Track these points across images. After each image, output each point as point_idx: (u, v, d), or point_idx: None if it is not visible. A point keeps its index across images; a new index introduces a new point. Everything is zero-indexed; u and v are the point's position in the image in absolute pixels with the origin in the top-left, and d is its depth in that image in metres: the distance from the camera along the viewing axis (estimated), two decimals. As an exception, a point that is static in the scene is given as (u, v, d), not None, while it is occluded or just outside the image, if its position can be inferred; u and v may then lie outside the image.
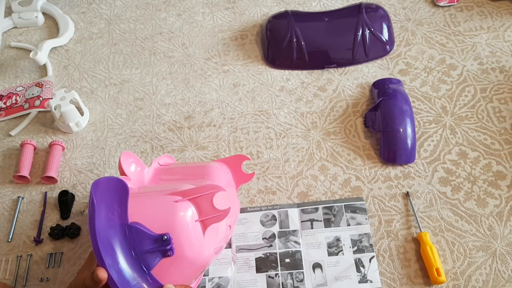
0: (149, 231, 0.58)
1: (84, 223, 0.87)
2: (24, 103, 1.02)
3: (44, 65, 1.08)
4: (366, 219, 0.83)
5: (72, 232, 0.85)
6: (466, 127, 0.92)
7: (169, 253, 0.58)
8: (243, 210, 0.86)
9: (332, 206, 0.85)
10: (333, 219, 0.84)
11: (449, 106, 0.95)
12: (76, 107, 0.95)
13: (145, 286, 0.57)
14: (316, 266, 0.79)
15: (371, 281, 0.77)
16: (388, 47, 1.03)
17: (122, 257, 0.56)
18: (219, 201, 0.63)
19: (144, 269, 0.58)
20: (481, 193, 0.84)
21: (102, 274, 0.53)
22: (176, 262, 0.60)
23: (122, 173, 0.70)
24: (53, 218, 0.88)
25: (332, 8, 1.11)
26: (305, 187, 0.88)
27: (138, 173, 0.72)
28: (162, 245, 0.58)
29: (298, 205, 0.86)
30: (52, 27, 1.17)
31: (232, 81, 1.03)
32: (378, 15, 1.04)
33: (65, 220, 0.88)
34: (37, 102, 1.01)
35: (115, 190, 0.58)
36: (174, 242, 0.59)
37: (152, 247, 0.58)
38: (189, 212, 0.61)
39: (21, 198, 0.91)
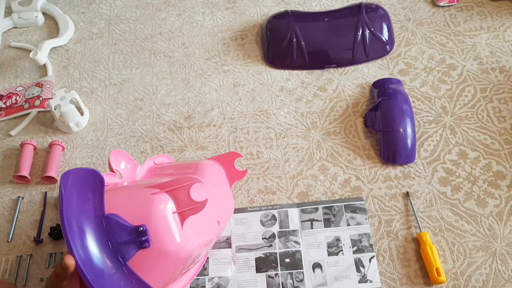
0: (125, 222, 0.58)
1: (84, 223, 0.87)
2: (24, 103, 1.02)
3: (44, 65, 1.08)
4: (366, 219, 0.83)
5: (72, 232, 0.85)
6: (466, 127, 0.92)
7: (145, 244, 0.58)
8: (243, 210, 0.86)
9: (332, 206, 0.85)
10: (333, 219, 0.84)
11: (449, 106, 0.95)
12: (76, 107, 0.95)
13: (120, 276, 0.57)
14: (316, 266, 0.79)
15: (371, 281, 0.77)
16: (388, 47, 1.03)
17: (96, 247, 0.56)
18: (196, 193, 0.63)
19: (121, 260, 0.58)
20: (481, 193, 0.84)
21: (69, 260, 0.53)
22: (155, 254, 0.60)
23: (111, 170, 0.71)
24: (53, 218, 0.88)
25: (332, 8, 1.11)
26: (305, 187, 0.88)
27: (129, 171, 0.72)
28: (138, 237, 0.58)
29: (298, 205, 0.86)
30: (52, 27, 1.17)
31: (232, 81, 1.03)
32: (378, 15, 1.04)
33: (65, 220, 0.88)
34: (37, 102, 1.01)
35: (89, 180, 0.58)
36: (151, 234, 0.59)
37: (128, 238, 0.58)
38: (166, 204, 0.61)
39: (21, 198, 0.91)
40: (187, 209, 0.62)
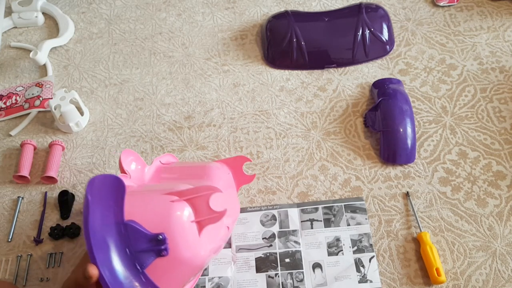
0: (144, 230, 0.58)
1: (84, 223, 0.87)
2: (24, 103, 1.02)
3: (44, 65, 1.08)
4: (366, 219, 0.83)
5: (72, 232, 0.85)
6: (466, 127, 0.92)
7: (163, 253, 0.58)
8: (243, 210, 0.86)
9: (332, 206, 0.85)
10: (333, 219, 0.84)
11: (449, 106, 0.95)
12: (76, 107, 0.95)
13: (138, 285, 0.57)
14: (316, 266, 0.79)
15: (371, 281, 0.77)
16: (388, 47, 1.03)
17: (115, 254, 0.56)
18: (215, 203, 0.62)
19: (138, 267, 0.58)
20: (481, 193, 0.84)
21: (93, 270, 0.52)
22: (171, 262, 0.59)
23: (122, 171, 0.70)
24: (53, 218, 0.88)
25: (332, 8, 1.11)
26: (305, 187, 0.88)
27: (139, 171, 0.72)
28: (157, 245, 0.58)
29: (298, 205, 0.86)
30: (52, 27, 1.17)
31: (232, 81, 1.03)
32: (378, 15, 1.04)
33: (65, 220, 0.88)
34: (37, 102, 1.01)
35: (112, 188, 0.58)
36: (169, 242, 0.58)
37: (147, 246, 0.58)
38: (185, 212, 0.61)
39: (21, 198, 0.91)
40: (206, 218, 0.62)
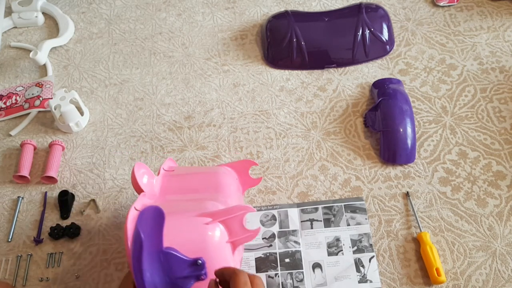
0: (183, 255, 0.58)
1: (84, 223, 0.87)
2: (24, 103, 1.02)
3: (44, 65, 1.08)
4: (366, 219, 0.83)
5: (72, 232, 0.85)
6: (466, 127, 0.92)
7: (202, 277, 0.58)
8: (243, 210, 0.86)
9: (332, 206, 0.85)
10: (333, 219, 0.84)
11: (449, 106, 0.95)
12: (76, 107, 0.95)
13: None
14: (316, 266, 0.79)
15: (370, 281, 0.77)
16: (388, 47, 1.03)
17: (158, 283, 0.56)
18: (232, 180, 0.63)
19: None
20: (481, 193, 0.84)
21: None
22: (207, 283, 0.59)
23: (137, 186, 0.68)
24: (53, 218, 0.88)
25: (332, 8, 1.11)
26: (305, 187, 0.88)
27: (150, 184, 0.71)
28: (197, 270, 0.58)
29: (298, 205, 0.86)
30: (52, 27, 1.17)
31: (232, 81, 1.03)
32: (378, 15, 1.04)
33: (65, 220, 0.88)
34: (37, 102, 1.01)
35: (153, 219, 0.58)
36: (206, 265, 0.58)
37: (187, 272, 0.58)
38: (220, 234, 0.61)
39: (21, 198, 0.91)
40: (240, 238, 0.63)
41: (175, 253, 0.57)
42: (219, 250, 0.61)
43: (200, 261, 0.58)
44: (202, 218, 0.61)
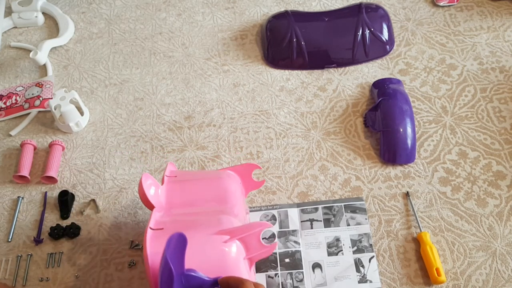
0: (203, 276, 0.57)
1: (84, 223, 0.87)
2: (24, 103, 1.02)
3: (44, 65, 1.08)
4: (366, 219, 0.83)
5: (72, 232, 0.85)
6: (466, 127, 0.92)
7: None
8: (243, 210, 0.86)
9: (332, 206, 0.85)
10: (332, 219, 0.84)
11: (449, 106, 0.95)
12: (76, 107, 0.95)
13: None
14: (316, 266, 0.79)
15: (370, 281, 0.77)
16: (388, 47, 1.03)
17: None
18: (235, 185, 0.63)
19: None
20: (481, 193, 0.84)
21: None
22: None
23: (145, 198, 0.67)
24: (53, 218, 0.88)
25: (332, 8, 1.11)
26: (305, 187, 0.88)
27: (157, 195, 0.70)
28: None
29: (298, 205, 0.86)
30: (52, 27, 1.17)
31: (232, 81, 1.03)
32: (378, 15, 1.04)
33: (65, 220, 0.88)
34: (37, 102, 1.01)
35: (176, 245, 0.57)
36: None
37: None
38: (238, 251, 0.62)
39: (21, 198, 0.91)
40: (257, 254, 0.63)
41: (195, 275, 0.57)
42: (237, 267, 0.61)
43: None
44: (220, 236, 0.62)
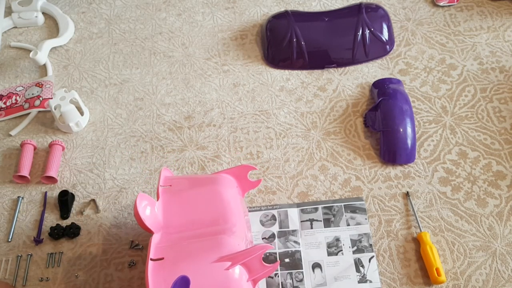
0: None
1: (84, 223, 0.87)
2: (24, 103, 1.02)
3: (44, 65, 1.08)
4: (365, 219, 0.83)
5: (72, 232, 0.85)
6: (466, 127, 0.92)
7: None
8: (243, 210, 0.86)
9: (332, 206, 0.85)
10: (332, 219, 0.84)
11: (449, 106, 0.95)
12: (76, 107, 0.95)
13: None
14: (316, 266, 0.79)
15: (370, 281, 0.77)
16: (388, 47, 1.03)
17: None
18: (232, 189, 0.64)
19: None
20: (481, 193, 0.84)
21: None
22: None
23: (141, 221, 0.66)
24: (53, 218, 0.88)
25: (332, 8, 1.11)
26: (305, 187, 0.88)
27: (153, 215, 0.69)
28: None
29: (298, 205, 0.86)
30: (52, 27, 1.17)
31: (232, 81, 1.03)
32: (378, 15, 1.04)
33: (65, 220, 0.88)
34: (37, 102, 1.01)
35: (180, 286, 0.59)
36: None
37: None
38: (241, 276, 0.63)
39: (21, 198, 0.91)
40: (260, 274, 0.65)
41: None
42: None
43: None
44: (222, 263, 0.62)
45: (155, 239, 0.66)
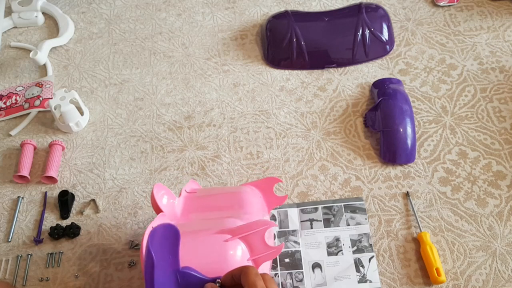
0: (201, 275, 0.54)
1: (84, 223, 0.87)
2: (24, 103, 1.02)
3: (44, 65, 1.08)
4: (365, 219, 0.83)
5: (72, 232, 0.85)
6: (466, 127, 0.92)
7: None
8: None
9: (332, 206, 0.85)
10: (332, 219, 0.84)
11: (449, 106, 0.95)
12: (76, 107, 0.95)
13: None
14: (316, 266, 0.79)
15: (370, 281, 0.77)
16: (388, 47, 1.03)
17: None
18: (256, 199, 0.59)
19: None
20: (481, 193, 0.84)
21: None
22: None
23: (156, 207, 0.66)
24: (53, 218, 0.88)
25: (332, 8, 1.11)
26: (305, 187, 0.88)
27: (171, 205, 0.67)
28: None
29: (298, 205, 0.86)
30: (52, 27, 1.17)
31: (232, 81, 1.03)
32: (378, 15, 1.04)
33: (65, 220, 0.88)
34: (37, 102, 1.01)
35: (168, 237, 0.54)
36: None
37: None
38: (240, 252, 0.58)
39: (21, 198, 0.91)
40: (262, 255, 0.60)
41: (192, 272, 0.54)
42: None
43: (219, 280, 0.54)
44: (221, 235, 0.59)
45: (162, 217, 0.64)
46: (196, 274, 0.54)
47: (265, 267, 0.66)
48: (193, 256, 0.57)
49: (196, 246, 0.59)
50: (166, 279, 0.53)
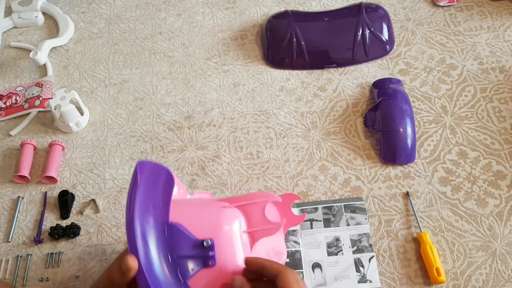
0: (190, 234, 0.51)
1: (84, 223, 0.87)
2: (24, 103, 1.02)
3: (44, 65, 1.08)
4: (365, 219, 0.83)
5: (72, 232, 0.85)
6: (466, 127, 0.92)
7: (210, 262, 0.51)
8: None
9: (332, 206, 0.85)
10: (332, 219, 0.84)
11: (449, 106, 0.95)
12: (76, 107, 0.95)
13: None
14: (316, 266, 0.79)
15: (370, 281, 0.77)
16: (388, 47, 1.03)
17: (157, 256, 0.49)
18: (272, 213, 0.55)
19: (180, 278, 0.50)
20: (481, 193, 0.84)
21: (133, 262, 0.44)
22: (217, 274, 0.51)
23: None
24: (53, 218, 0.88)
25: (332, 8, 1.11)
26: (305, 187, 0.88)
27: (182, 196, 0.64)
28: (203, 252, 0.51)
29: (298, 205, 0.86)
30: (52, 27, 1.17)
31: (232, 81, 1.03)
32: (378, 15, 1.04)
33: (65, 220, 0.88)
34: (37, 102, 1.01)
35: (161, 180, 0.51)
36: (217, 252, 0.51)
37: (192, 253, 0.50)
38: (236, 220, 0.55)
39: (21, 198, 0.91)
40: (260, 229, 0.55)
41: (181, 229, 0.50)
42: (233, 238, 0.53)
43: (209, 242, 0.50)
44: (219, 202, 0.56)
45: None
46: (185, 232, 0.51)
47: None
48: (187, 217, 0.53)
49: (192, 208, 0.55)
50: (153, 225, 0.49)
